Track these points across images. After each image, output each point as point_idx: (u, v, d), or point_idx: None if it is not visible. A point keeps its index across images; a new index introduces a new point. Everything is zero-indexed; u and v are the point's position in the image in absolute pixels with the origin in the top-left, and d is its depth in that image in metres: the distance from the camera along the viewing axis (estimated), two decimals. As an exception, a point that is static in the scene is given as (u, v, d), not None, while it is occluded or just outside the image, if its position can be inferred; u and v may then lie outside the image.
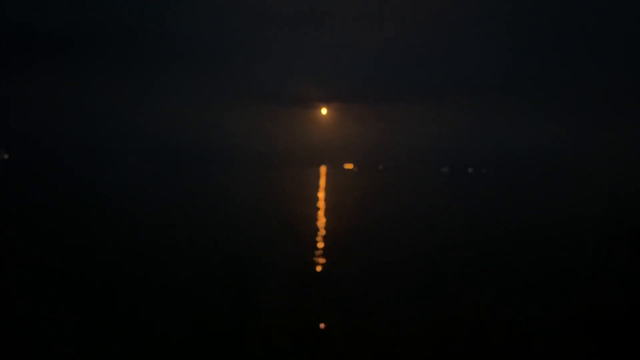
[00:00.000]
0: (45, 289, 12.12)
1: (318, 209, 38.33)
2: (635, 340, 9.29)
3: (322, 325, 10.67)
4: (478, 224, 30.45)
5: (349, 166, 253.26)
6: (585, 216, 35.39)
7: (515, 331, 10.11)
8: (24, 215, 26.06)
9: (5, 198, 36.28)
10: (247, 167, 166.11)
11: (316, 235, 24.47)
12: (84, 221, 23.93)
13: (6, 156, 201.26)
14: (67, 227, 21.96)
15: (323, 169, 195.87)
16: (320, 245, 20.84)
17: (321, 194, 58.75)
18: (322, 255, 19.19)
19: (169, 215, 28.27)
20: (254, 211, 34.51)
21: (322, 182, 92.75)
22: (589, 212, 38.38)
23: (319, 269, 16.89)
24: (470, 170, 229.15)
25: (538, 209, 42.29)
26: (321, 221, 30.40)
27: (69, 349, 8.79)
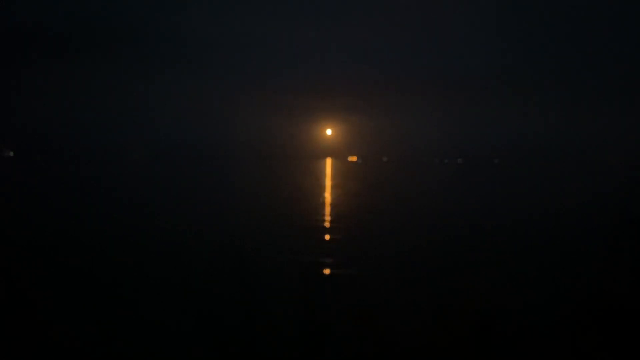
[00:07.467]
0: (50, 286, 10.97)
1: (324, 199, 37.13)
2: None
3: (328, 316, 9.55)
4: (484, 213, 28.91)
5: (352, 159, 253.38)
6: (585, 204, 33.92)
7: (525, 319, 9.46)
8: (29, 211, 24.65)
9: (10, 195, 34.85)
10: (253, 162, 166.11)
11: (323, 217, 23.26)
12: (88, 217, 22.64)
13: (11, 153, 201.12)
14: (71, 222, 20.61)
15: (329, 161, 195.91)
16: (328, 236, 19.43)
17: (328, 183, 57.80)
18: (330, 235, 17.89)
19: (176, 210, 26.75)
20: (265, 201, 33.38)
21: (328, 173, 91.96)
22: (588, 200, 36.82)
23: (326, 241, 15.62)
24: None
25: (541, 198, 40.92)
26: (327, 205, 29.15)
27: (72, 345, 7.88)
